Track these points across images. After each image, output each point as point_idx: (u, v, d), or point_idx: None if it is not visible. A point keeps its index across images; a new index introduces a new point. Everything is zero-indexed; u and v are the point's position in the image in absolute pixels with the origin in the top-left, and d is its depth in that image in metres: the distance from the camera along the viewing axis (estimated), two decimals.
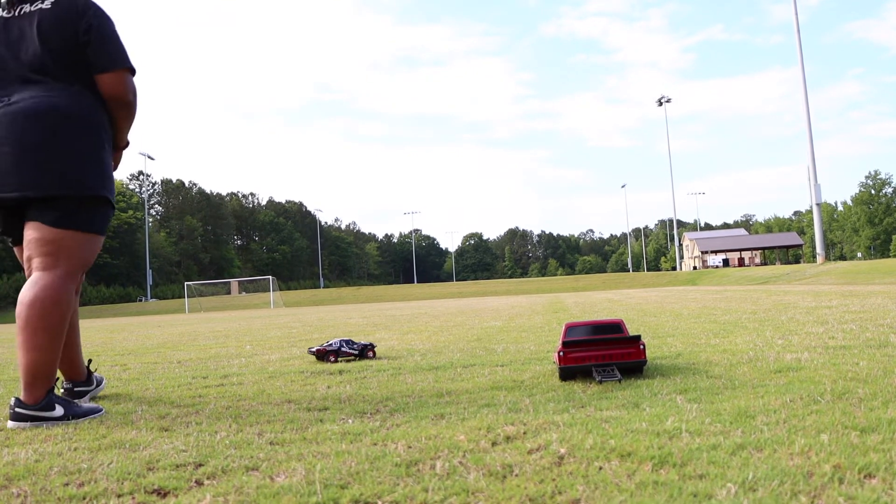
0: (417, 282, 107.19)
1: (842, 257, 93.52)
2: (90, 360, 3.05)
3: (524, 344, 4.49)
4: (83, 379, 2.88)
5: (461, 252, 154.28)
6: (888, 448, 1.41)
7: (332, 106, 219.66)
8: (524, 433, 1.76)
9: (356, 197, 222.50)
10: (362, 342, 4.22)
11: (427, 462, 1.53)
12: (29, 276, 2.46)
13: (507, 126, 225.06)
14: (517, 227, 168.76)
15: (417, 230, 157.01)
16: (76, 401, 2.56)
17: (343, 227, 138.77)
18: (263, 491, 1.37)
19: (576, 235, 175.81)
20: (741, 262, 70.40)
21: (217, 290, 58.06)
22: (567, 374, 2.64)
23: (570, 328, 2.79)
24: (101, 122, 2.54)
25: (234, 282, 62.84)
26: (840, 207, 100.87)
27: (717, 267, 65.60)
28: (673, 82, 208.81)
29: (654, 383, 2.44)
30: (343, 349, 4.03)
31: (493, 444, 1.67)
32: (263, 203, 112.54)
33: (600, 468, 1.40)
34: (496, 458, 1.52)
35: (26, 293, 2.36)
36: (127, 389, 3.21)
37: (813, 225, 43.18)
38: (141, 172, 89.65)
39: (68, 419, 2.34)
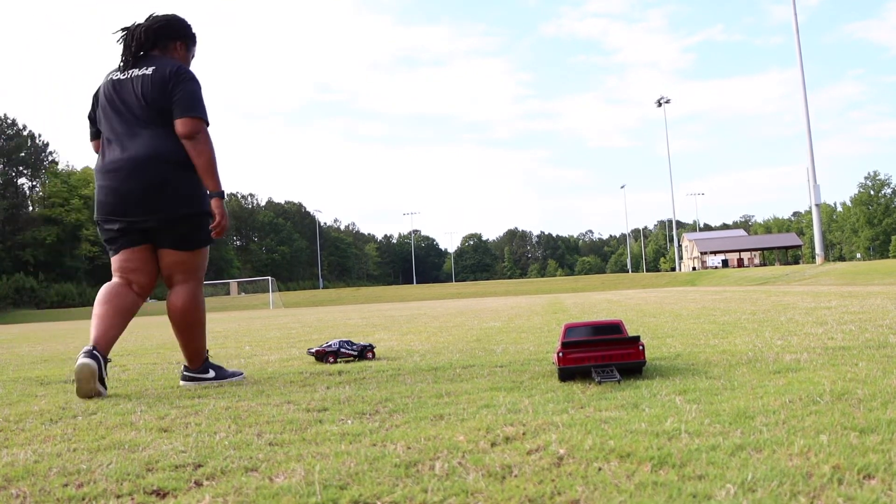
0: (417, 282, 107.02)
1: (841, 258, 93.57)
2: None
3: (523, 345, 4.49)
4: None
5: (460, 253, 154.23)
6: (887, 449, 1.41)
7: (331, 106, 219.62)
8: (523, 434, 1.76)
9: (355, 197, 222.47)
10: (362, 343, 4.21)
11: (426, 463, 1.53)
12: (170, 287, 3.30)
13: (507, 126, 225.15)
14: (516, 228, 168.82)
15: (417, 231, 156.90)
16: (222, 366, 3.50)
17: (342, 227, 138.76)
18: (263, 492, 1.37)
19: (575, 236, 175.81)
20: (740, 263, 70.42)
21: (216, 290, 57.99)
22: (566, 374, 2.64)
23: (569, 329, 2.79)
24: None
25: (233, 282, 62.80)
26: (839, 208, 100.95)
27: (716, 268, 65.63)
28: (673, 83, 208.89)
29: (654, 384, 2.44)
30: (342, 350, 4.03)
31: (493, 444, 1.67)
32: (263, 203, 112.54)
33: (599, 469, 1.40)
34: (495, 459, 1.52)
35: (177, 302, 3.25)
36: (126, 390, 3.21)
37: (812, 225, 43.19)
38: None
39: (219, 379, 3.33)
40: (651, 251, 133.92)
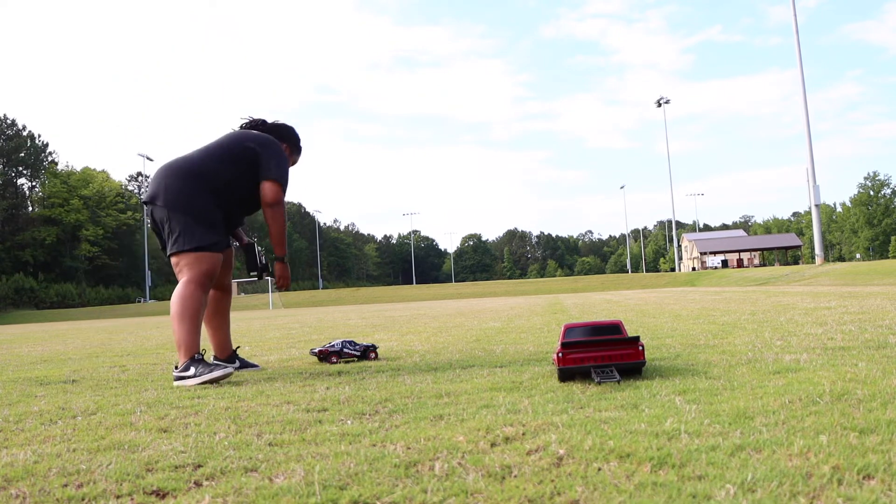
0: (416, 283, 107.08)
1: (841, 258, 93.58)
2: (238, 347, 4.15)
3: (523, 345, 4.49)
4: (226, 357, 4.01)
5: (460, 253, 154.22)
6: (887, 449, 1.41)
7: (331, 107, 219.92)
8: (523, 434, 1.76)
9: (355, 198, 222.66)
10: (364, 343, 4.21)
11: (426, 463, 1.53)
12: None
13: (506, 127, 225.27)
14: (516, 229, 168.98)
15: (416, 231, 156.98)
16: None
17: (342, 228, 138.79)
18: (262, 492, 1.36)
19: (575, 236, 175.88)
20: (740, 263, 70.39)
21: None
22: (566, 375, 2.64)
23: (568, 329, 2.79)
24: None
25: (232, 283, 62.75)
26: (839, 208, 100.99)
27: (715, 268, 65.64)
28: (672, 83, 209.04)
29: (653, 384, 2.44)
30: (346, 350, 4.03)
31: (492, 444, 1.67)
32: None
33: (599, 469, 1.40)
34: (495, 459, 1.52)
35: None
36: (125, 390, 3.21)
37: (812, 226, 43.18)
38: (140, 174, 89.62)
39: (198, 377, 3.32)
40: (651, 251, 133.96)
